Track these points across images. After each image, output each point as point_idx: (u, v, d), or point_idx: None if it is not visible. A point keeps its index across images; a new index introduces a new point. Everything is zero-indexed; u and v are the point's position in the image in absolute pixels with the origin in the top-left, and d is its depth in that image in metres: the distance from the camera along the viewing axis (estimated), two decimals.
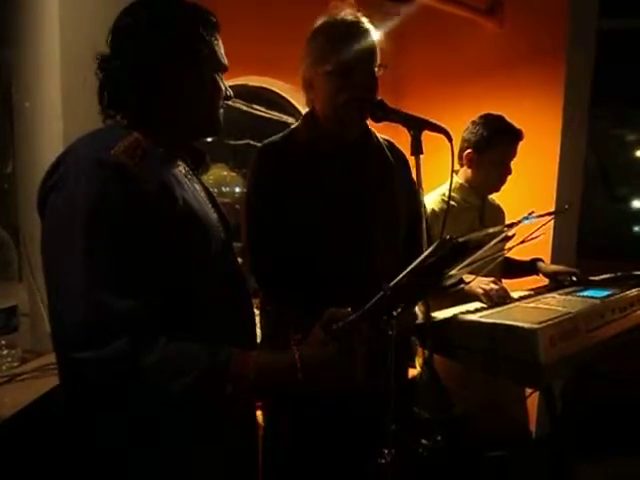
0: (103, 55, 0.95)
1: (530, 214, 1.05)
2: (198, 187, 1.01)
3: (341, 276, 1.29)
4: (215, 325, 0.91)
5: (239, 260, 1.12)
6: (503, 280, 1.85)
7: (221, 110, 1.02)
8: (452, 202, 1.87)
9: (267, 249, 1.34)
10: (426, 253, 0.81)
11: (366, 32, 1.29)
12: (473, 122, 1.93)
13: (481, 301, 1.59)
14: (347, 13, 1.29)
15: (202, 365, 0.76)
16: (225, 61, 1.01)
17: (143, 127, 0.91)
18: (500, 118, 1.91)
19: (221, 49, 1.00)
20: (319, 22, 1.32)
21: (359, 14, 1.30)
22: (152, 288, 0.79)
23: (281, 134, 1.41)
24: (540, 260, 2.06)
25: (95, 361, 0.72)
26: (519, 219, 1.01)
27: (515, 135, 1.89)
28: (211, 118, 1.01)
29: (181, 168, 0.98)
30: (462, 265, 0.94)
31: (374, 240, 1.36)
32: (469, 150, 1.90)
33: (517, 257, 2.01)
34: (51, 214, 0.83)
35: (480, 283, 1.60)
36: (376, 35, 1.31)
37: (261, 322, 1.36)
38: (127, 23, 0.94)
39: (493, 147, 1.87)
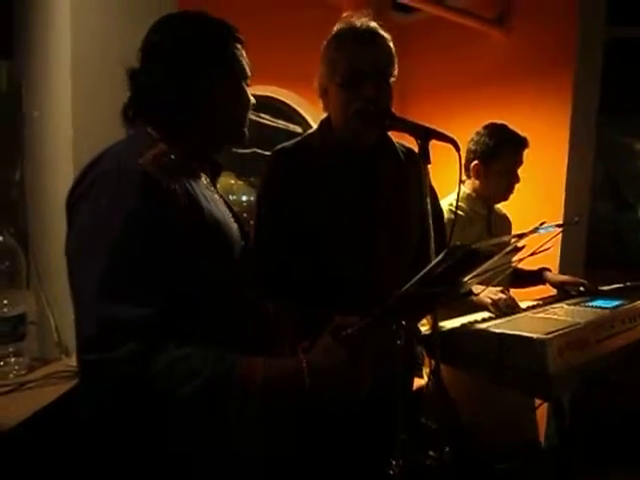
0: (133, 70, 0.96)
1: (541, 225, 1.04)
2: (217, 198, 1.02)
3: (349, 282, 1.29)
4: (232, 332, 0.92)
5: None
6: (511, 290, 1.84)
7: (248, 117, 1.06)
8: (460, 212, 1.86)
9: (275, 254, 1.33)
10: (436, 260, 0.80)
11: (379, 40, 1.25)
12: (477, 132, 1.92)
13: (489, 311, 1.58)
14: (362, 21, 1.25)
15: (210, 368, 0.77)
16: (250, 71, 1.04)
17: (172, 138, 0.93)
18: (504, 127, 1.90)
19: (246, 59, 1.03)
20: (334, 29, 1.29)
21: (374, 22, 1.26)
22: (169, 297, 0.80)
23: (295, 140, 1.40)
24: (548, 270, 2.04)
25: (105, 362, 0.73)
26: (530, 230, 1.00)
27: (520, 143, 1.88)
28: (241, 126, 1.05)
29: (203, 179, 1.00)
30: (472, 275, 0.93)
31: (382, 247, 1.34)
32: (476, 161, 1.90)
33: (525, 267, 2.00)
34: (76, 223, 0.85)
35: (488, 293, 1.59)
36: (391, 43, 1.27)
37: None
38: (155, 41, 0.96)
39: (499, 156, 1.86)
